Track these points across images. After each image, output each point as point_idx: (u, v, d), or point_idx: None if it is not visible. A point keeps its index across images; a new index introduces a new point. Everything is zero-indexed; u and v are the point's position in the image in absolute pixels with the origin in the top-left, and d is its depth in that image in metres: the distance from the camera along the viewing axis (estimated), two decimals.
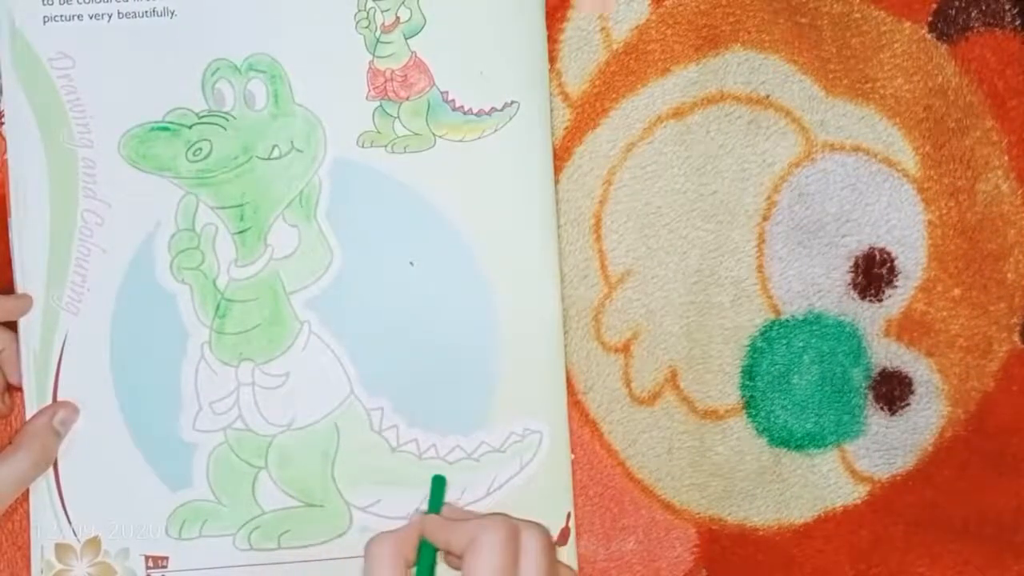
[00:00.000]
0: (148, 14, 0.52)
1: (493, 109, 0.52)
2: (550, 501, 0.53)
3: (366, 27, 0.52)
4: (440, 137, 0.52)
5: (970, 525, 0.54)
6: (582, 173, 0.54)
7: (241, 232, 0.52)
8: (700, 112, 0.54)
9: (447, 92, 0.52)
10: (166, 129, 0.52)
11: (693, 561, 0.54)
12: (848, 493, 0.54)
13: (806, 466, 0.54)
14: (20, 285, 0.52)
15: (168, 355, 0.52)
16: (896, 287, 0.54)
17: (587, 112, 0.54)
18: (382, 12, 0.52)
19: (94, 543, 0.52)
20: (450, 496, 0.53)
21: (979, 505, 0.54)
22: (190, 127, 0.52)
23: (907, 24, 0.53)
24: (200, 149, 0.52)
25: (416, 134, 0.52)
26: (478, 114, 0.52)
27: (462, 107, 0.52)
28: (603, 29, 0.54)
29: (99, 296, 0.52)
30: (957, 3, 0.53)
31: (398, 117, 0.52)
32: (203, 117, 0.52)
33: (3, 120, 0.52)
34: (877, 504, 0.54)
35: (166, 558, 0.52)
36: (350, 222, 0.52)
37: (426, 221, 0.52)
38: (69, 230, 0.51)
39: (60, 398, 0.52)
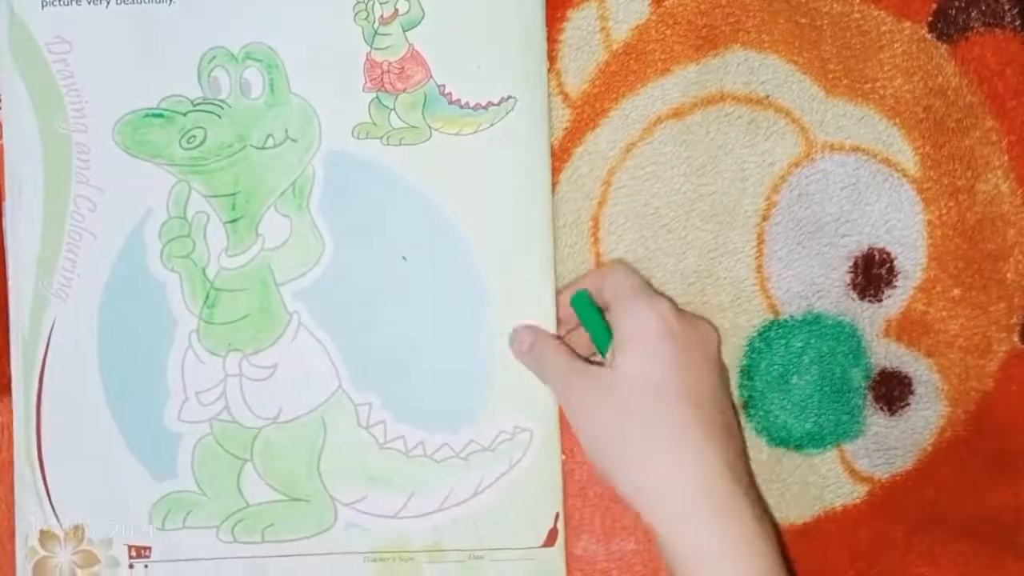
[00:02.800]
0: (147, 0, 0.51)
1: (490, 103, 0.52)
2: (539, 502, 0.52)
3: (365, 18, 0.52)
4: (436, 130, 0.52)
5: (970, 525, 0.54)
6: (581, 174, 0.54)
7: (233, 221, 0.52)
8: (700, 112, 0.54)
9: (444, 85, 0.52)
10: (160, 116, 0.51)
11: None
12: (848, 493, 0.54)
13: (806, 466, 0.54)
14: (12, 269, 0.51)
15: (156, 344, 0.52)
16: (895, 287, 0.54)
17: (587, 112, 0.54)
18: (381, 4, 0.52)
19: (78, 531, 0.51)
20: (436, 498, 0.52)
21: (979, 505, 0.54)
22: (185, 114, 0.51)
23: (907, 24, 0.54)
24: (194, 136, 0.51)
25: (412, 127, 0.52)
26: (475, 108, 0.52)
27: (459, 100, 0.52)
28: (603, 29, 0.54)
29: (89, 282, 0.51)
30: (957, 3, 0.54)
31: (394, 109, 0.52)
32: (198, 105, 0.51)
33: (0, 104, 0.52)
34: (877, 504, 0.54)
35: (149, 548, 0.52)
36: (343, 213, 0.52)
37: (420, 215, 0.52)
38: (61, 215, 0.51)
39: (46, 384, 0.51)
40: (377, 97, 0.52)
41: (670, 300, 0.48)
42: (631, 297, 0.48)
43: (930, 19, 0.54)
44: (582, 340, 0.51)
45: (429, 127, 0.52)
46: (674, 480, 0.45)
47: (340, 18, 0.52)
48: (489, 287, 0.52)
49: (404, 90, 0.52)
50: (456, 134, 0.52)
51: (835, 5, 0.53)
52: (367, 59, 0.52)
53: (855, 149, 0.54)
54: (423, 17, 0.52)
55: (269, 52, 0.52)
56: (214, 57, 0.51)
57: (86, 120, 0.51)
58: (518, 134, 0.52)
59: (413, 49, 0.52)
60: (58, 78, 0.51)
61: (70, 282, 0.51)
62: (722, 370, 0.49)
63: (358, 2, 0.52)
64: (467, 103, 0.52)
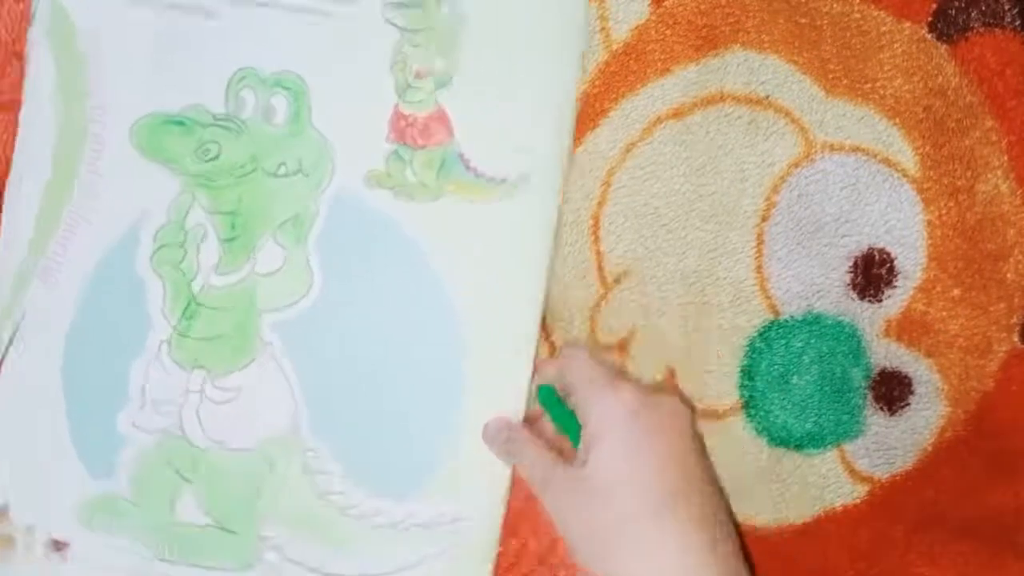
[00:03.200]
0: (192, 11, 0.51)
1: (506, 178, 0.51)
2: None
3: (400, 70, 0.51)
4: (447, 193, 0.51)
5: (970, 525, 0.54)
6: (581, 174, 0.54)
7: (229, 240, 0.52)
8: (700, 112, 0.54)
9: (464, 151, 0.51)
10: (180, 124, 0.51)
11: None
12: (848, 493, 0.54)
13: (806, 466, 0.54)
14: (5, 244, 0.51)
15: (126, 344, 0.51)
16: (895, 287, 0.54)
17: (587, 112, 0.54)
18: (418, 58, 0.51)
19: (1, 513, 0.51)
20: (363, 564, 0.52)
21: (979, 505, 0.54)
22: (205, 126, 0.51)
23: (907, 24, 0.54)
24: (208, 150, 0.51)
25: (424, 184, 0.51)
26: (490, 179, 0.51)
27: (475, 168, 0.51)
28: (603, 29, 0.54)
29: (75, 270, 0.51)
30: (957, 3, 0.53)
31: (411, 163, 0.51)
32: (219, 119, 0.51)
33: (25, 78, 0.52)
34: (877, 504, 0.54)
35: (69, 544, 0.52)
36: (338, 256, 0.51)
37: (414, 272, 0.51)
38: (62, 199, 0.51)
39: (10, 354, 0.51)
40: (397, 149, 0.51)
41: (633, 383, 0.48)
42: (591, 388, 0.47)
43: (930, 19, 0.53)
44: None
45: (442, 188, 0.51)
46: (657, 569, 0.44)
47: (376, 65, 0.51)
48: (466, 364, 0.52)
49: (424, 147, 0.51)
50: (467, 201, 0.51)
51: (835, 5, 0.53)
52: (395, 110, 0.51)
53: (855, 149, 0.54)
54: (456, 79, 0.51)
55: (298, 82, 0.51)
56: (244, 77, 0.51)
57: (106, 113, 0.51)
58: (527, 213, 0.52)
59: (441, 109, 0.51)
60: (88, 66, 0.51)
61: (60, 266, 0.51)
62: (699, 444, 0.48)
63: (397, 52, 0.51)
64: (483, 172, 0.51)
